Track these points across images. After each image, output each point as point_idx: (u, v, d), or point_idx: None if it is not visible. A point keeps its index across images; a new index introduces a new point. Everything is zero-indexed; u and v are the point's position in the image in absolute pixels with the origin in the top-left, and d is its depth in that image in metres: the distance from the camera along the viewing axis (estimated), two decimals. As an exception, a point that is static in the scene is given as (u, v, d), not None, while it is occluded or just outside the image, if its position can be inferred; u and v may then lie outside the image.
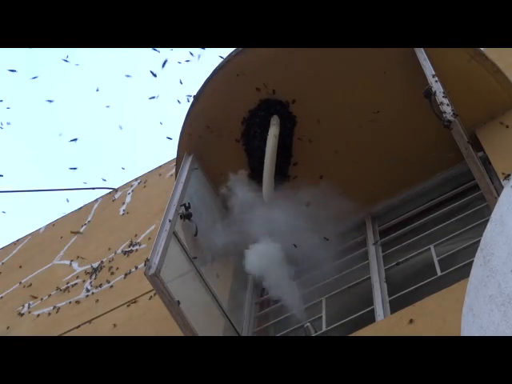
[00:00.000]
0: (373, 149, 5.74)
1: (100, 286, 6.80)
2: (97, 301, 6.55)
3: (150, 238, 6.97)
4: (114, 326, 6.01)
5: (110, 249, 7.36)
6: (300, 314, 5.26)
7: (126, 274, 6.73)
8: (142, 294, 6.12)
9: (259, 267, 5.33)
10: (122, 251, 7.18)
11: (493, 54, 5.50)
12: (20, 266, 8.22)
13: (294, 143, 5.79)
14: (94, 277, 7.02)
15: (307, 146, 5.77)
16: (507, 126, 5.22)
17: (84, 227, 8.32)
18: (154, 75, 7.20)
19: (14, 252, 8.78)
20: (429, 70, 5.13)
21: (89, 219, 8.46)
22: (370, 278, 5.20)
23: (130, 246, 7.18)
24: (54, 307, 6.88)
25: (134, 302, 6.17)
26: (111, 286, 6.70)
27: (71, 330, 6.32)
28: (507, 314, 2.76)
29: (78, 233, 7.85)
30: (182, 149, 5.85)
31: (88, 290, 6.84)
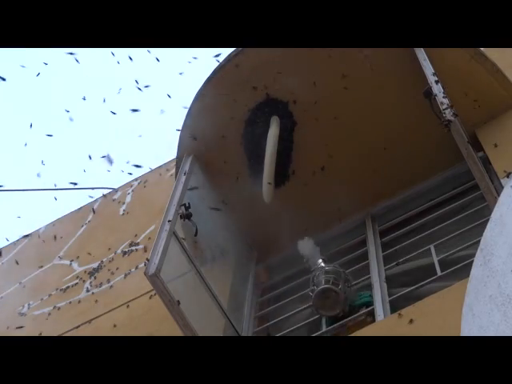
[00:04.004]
0: (372, 149, 5.74)
1: (100, 285, 6.80)
2: (96, 301, 6.55)
3: (150, 238, 6.97)
4: (114, 326, 6.01)
5: (109, 249, 7.36)
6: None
7: (126, 274, 6.73)
8: (142, 294, 6.13)
9: None
10: (122, 251, 7.18)
11: (493, 54, 5.50)
12: (20, 266, 8.22)
13: (293, 143, 5.79)
14: (93, 277, 7.03)
15: (307, 145, 5.77)
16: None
17: (84, 227, 8.32)
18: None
19: (14, 252, 8.78)
20: (429, 70, 5.13)
21: (89, 219, 8.46)
22: (369, 277, 5.20)
23: (130, 246, 7.18)
24: (54, 307, 6.88)
25: (134, 302, 6.17)
26: (111, 286, 6.70)
27: (71, 330, 6.32)
28: (507, 314, 2.76)
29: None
30: (181, 149, 5.85)
31: (88, 290, 6.84)
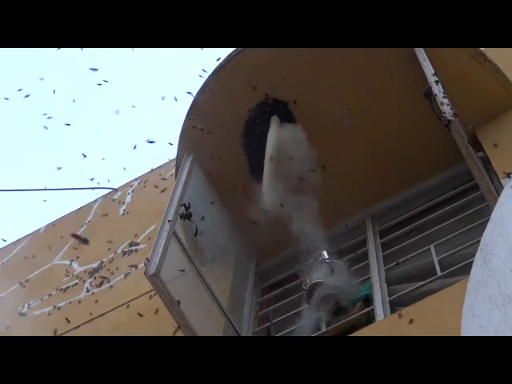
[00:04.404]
0: (373, 149, 5.74)
1: (100, 285, 6.80)
2: (96, 301, 6.55)
3: (150, 238, 6.97)
4: (114, 326, 6.01)
5: (109, 249, 7.36)
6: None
7: (126, 274, 6.73)
8: (142, 294, 6.13)
9: None
10: (122, 251, 7.18)
11: (493, 54, 5.50)
12: (20, 266, 8.22)
13: (293, 143, 5.79)
14: (93, 277, 7.03)
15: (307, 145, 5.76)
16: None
17: (84, 227, 8.32)
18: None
19: (14, 252, 8.79)
20: (429, 69, 5.13)
21: (89, 219, 8.46)
22: (370, 277, 5.20)
23: (129, 246, 7.18)
24: (54, 307, 6.88)
25: (134, 302, 6.17)
26: (111, 286, 6.70)
27: (71, 330, 6.32)
28: (507, 314, 2.76)
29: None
30: (182, 149, 5.85)
31: (88, 290, 6.84)
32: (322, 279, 5.04)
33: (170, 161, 8.38)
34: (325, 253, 5.33)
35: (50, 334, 6.33)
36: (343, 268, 5.18)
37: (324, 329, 5.01)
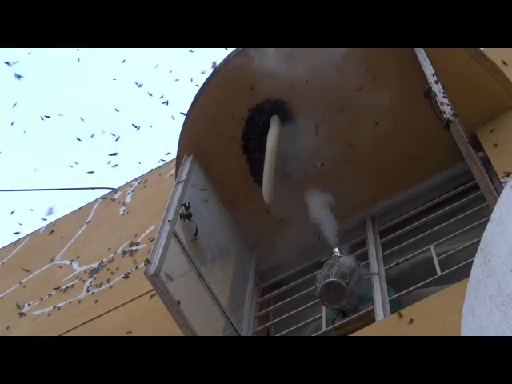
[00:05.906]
0: (373, 149, 5.74)
1: (100, 285, 6.80)
2: (96, 301, 6.55)
3: (149, 238, 6.97)
4: (114, 326, 6.01)
5: (109, 249, 7.36)
6: None
7: (126, 274, 6.73)
8: (142, 294, 6.13)
9: None
10: (122, 251, 7.18)
11: (493, 53, 5.50)
12: (20, 266, 8.22)
13: (293, 143, 5.79)
14: (94, 277, 7.03)
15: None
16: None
17: (84, 227, 8.32)
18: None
19: (14, 252, 8.79)
20: (429, 69, 5.13)
21: (89, 219, 8.46)
22: (370, 277, 5.20)
23: (129, 246, 7.18)
24: (54, 307, 6.88)
25: (134, 302, 6.17)
26: (111, 286, 6.70)
27: (71, 330, 6.32)
28: (507, 314, 2.76)
29: None
30: (182, 149, 5.85)
31: (88, 290, 6.84)
32: (336, 277, 5.01)
33: (169, 161, 8.39)
34: (337, 250, 5.31)
35: (50, 334, 6.33)
36: (357, 266, 5.15)
37: (324, 329, 5.02)
